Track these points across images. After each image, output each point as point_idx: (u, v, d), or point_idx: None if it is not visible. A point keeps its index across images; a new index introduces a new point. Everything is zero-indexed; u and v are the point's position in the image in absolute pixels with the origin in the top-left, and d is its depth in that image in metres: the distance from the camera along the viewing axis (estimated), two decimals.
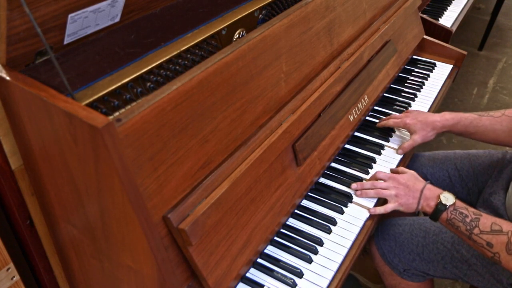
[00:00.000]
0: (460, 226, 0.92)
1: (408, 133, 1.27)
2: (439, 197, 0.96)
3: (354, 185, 1.08)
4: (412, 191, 1.00)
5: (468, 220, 0.92)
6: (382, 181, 1.06)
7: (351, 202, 1.06)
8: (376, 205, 1.06)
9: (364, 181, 1.11)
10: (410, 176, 1.04)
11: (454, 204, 0.94)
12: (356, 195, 1.07)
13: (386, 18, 1.38)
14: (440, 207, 0.95)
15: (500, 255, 0.87)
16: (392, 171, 1.12)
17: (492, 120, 1.13)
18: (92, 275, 0.86)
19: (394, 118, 1.25)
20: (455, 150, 1.35)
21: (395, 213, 1.42)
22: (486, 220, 0.91)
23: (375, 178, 1.09)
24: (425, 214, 1.01)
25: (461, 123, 1.16)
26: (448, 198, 0.95)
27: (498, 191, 1.12)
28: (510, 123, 1.11)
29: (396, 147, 1.23)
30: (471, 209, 0.94)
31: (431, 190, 0.99)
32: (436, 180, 1.28)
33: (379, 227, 1.19)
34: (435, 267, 1.10)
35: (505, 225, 0.89)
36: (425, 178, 1.30)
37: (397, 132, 1.28)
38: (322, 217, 1.02)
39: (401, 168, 1.10)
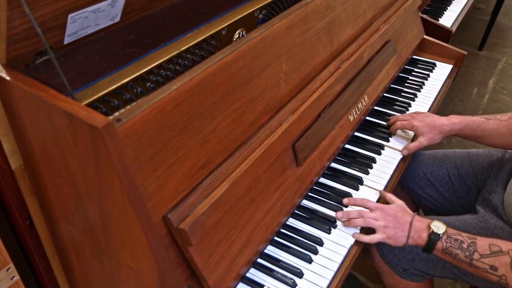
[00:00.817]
0: (459, 253, 0.89)
1: (409, 134, 1.27)
2: (429, 227, 0.92)
3: (339, 214, 1.01)
4: (401, 224, 0.95)
5: (465, 246, 0.89)
6: (369, 213, 0.99)
7: None
8: (361, 231, 1.00)
9: (349, 208, 1.04)
10: (398, 207, 0.99)
11: (446, 232, 0.91)
12: (344, 225, 1.00)
13: (386, 18, 1.38)
14: (433, 237, 0.91)
15: (507, 277, 0.85)
16: (382, 194, 1.08)
17: (499, 123, 1.12)
18: (92, 275, 0.86)
19: (400, 120, 1.24)
20: (455, 149, 1.35)
21: None
22: (483, 243, 0.88)
23: (361, 205, 1.02)
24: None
25: (468, 127, 1.15)
26: (439, 227, 0.92)
27: (497, 190, 1.12)
28: None
29: (396, 147, 1.23)
30: (464, 234, 0.91)
31: (420, 221, 0.95)
32: (436, 178, 1.28)
33: None
34: (434, 267, 1.10)
35: (503, 244, 0.87)
36: (425, 176, 1.30)
37: (397, 132, 1.28)
38: (322, 217, 1.02)
39: (389, 196, 1.04)
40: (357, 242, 0.98)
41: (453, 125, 1.16)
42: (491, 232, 1.05)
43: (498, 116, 1.14)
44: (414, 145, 1.19)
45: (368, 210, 1.00)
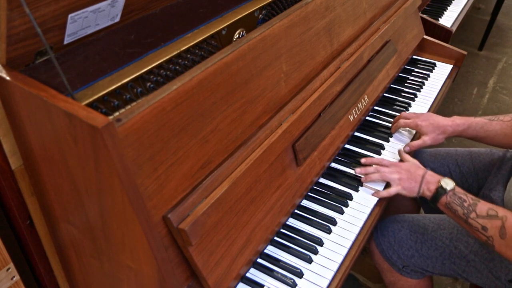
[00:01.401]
0: (458, 210, 0.95)
1: (410, 134, 1.27)
2: (439, 181, 0.99)
3: (358, 170, 1.12)
4: (414, 176, 1.04)
5: (466, 204, 0.95)
6: (385, 167, 1.09)
7: (351, 201, 1.06)
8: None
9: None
10: (412, 163, 1.08)
11: (453, 189, 0.98)
12: (362, 180, 1.11)
13: (386, 18, 1.38)
14: (440, 191, 0.98)
15: (494, 239, 0.90)
16: (399, 154, 1.17)
17: (502, 124, 1.13)
18: (92, 275, 0.86)
19: (404, 118, 1.25)
20: (457, 148, 1.35)
21: (395, 209, 1.42)
22: (483, 206, 0.93)
23: (377, 163, 1.12)
24: (425, 201, 1.02)
25: (472, 128, 1.17)
26: (448, 183, 0.98)
27: (497, 188, 1.12)
28: None
29: (397, 147, 1.23)
30: (470, 195, 0.97)
31: (432, 176, 1.03)
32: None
33: (378, 224, 1.19)
34: (433, 264, 1.10)
35: (500, 210, 0.91)
36: None
37: (397, 132, 1.28)
38: (322, 217, 1.02)
39: (407, 156, 1.13)
40: (357, 242, 0.98)
41: (457, 126, 1.18)
42: None
43: (501, 117, 1.15)
44: (417, 143, 1.19)
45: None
